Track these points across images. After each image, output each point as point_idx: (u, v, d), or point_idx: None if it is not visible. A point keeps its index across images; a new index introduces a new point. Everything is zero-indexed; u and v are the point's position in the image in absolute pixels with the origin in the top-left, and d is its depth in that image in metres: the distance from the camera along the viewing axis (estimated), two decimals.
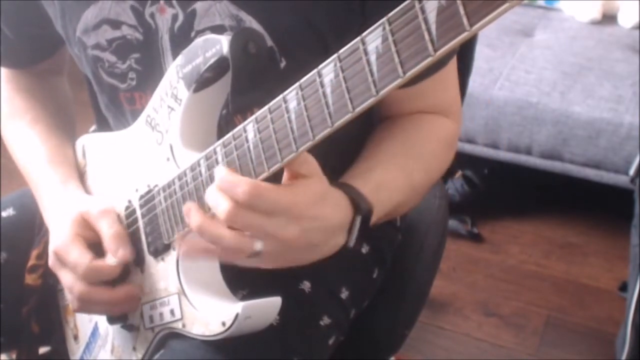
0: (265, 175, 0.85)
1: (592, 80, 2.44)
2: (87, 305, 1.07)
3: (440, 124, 1.11)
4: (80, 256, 1.04)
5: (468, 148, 2.52)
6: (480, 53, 2.07)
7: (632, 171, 2.21)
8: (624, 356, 1.93)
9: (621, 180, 2.35)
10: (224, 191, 0.84)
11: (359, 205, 0.91)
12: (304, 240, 0.86)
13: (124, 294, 1.06)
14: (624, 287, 2.25)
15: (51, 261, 1.09)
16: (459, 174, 2.68)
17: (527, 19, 2.80)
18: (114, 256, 1.04)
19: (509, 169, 2.57)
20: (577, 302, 2.37)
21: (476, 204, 2.68)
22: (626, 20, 2.74)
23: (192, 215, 0.89)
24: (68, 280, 1.06)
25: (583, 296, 2.39)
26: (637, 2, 2.69)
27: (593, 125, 2.35)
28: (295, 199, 0.84)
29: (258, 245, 0.86)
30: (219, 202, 0.84)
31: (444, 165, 1.12)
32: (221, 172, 0.85)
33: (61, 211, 1.11)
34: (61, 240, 1.06)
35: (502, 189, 2.75)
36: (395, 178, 1.01)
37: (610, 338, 2.12)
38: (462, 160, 2.60)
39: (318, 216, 0.86)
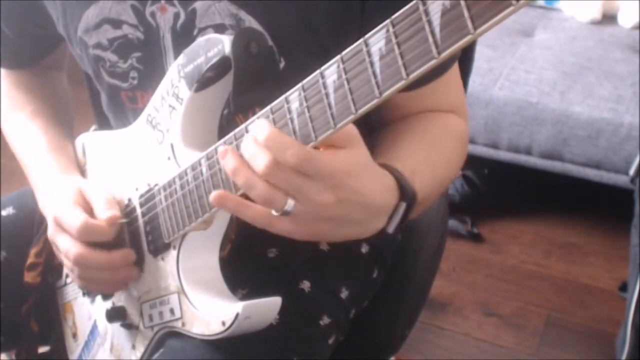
0: None
1: (592, 80, 2.44)
2: (85, 270, 1.06)
3: (453, 120, 1.11)
4: (75, 217, 1.04)
5: (468, 148, 2.50)
6: (480, 53, 2.07)
7: (632, 171, 2.21)
8: (624, 356, 1.93)
9: (621, 180, 2.35)
10: (267, 148, 0.80)
11: (406, 190, 0.89)
12: (340, 210, 0.84)
13: (120, 256, 1.06)
14: (624, 287, 2.25)
15: (50, 230, 1.09)
16: (459, 174, 2.68)
17: (527, 19, 2.80)
18: (103, 217, 1.05)
19: (509, 169, 2.57)
20: (577, 302, 2.37)
21: (476, 204, 2.68)
22: (626, 20, 2.74)
23: (228, 157, 0.85)
24: (65, 245, 1.06)
25: (583, 296, 2.39)
26: (637, 2, 2.69)
27: (593, 125, 2.35)
28: (338, 166, 0.81)
29: (290, 203, 0.82)
30: (258, 155, 0.81)
31: (460, 161, 1.11)
32: (265, 128, 0.81)
33: (60, 188, 1.12)
34: (60, 206, 1.07)
35: (502, 189, 2.75)
36: (423, 169, 0.98)
37: (610, 338, 2.11)
38: None
39: (359, 189, 0.84)
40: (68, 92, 1.37)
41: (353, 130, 0.83)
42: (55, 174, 1.17)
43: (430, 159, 1.02)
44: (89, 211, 1.07)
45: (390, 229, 0.89)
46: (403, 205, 0.89)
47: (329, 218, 0.84)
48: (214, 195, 0.87)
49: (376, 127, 1.12)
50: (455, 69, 1.10)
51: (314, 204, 0.82)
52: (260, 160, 0.81)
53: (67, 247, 1.06)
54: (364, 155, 0.85)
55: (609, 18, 2.78)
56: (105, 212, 1.05)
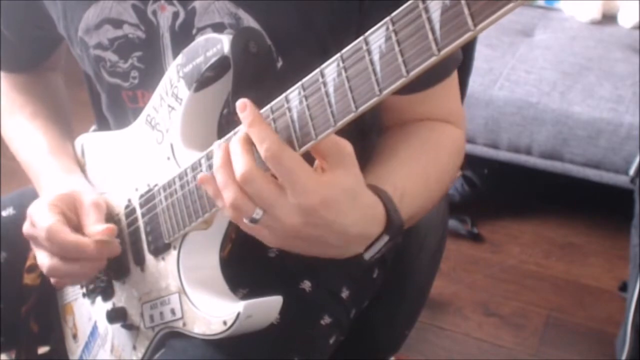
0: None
1: (592, 80, 2.44)
2: (62, 265, 1.03)
3: (450, 131, 1.10)
4: (45, 217, 1.02)
5: (468, 148, 2.48)
6: (480, 53, 2.07)
7: (632, 171, 2.21)
8: (624, 356, 1.93)
9: (621, 180, 2.35)
10: (248, 141, 0.82)
11: (392, 222, 0.88)
12: (311, 233, 0.83)
13: (100, 231, 1.02)
14: (624, 287, 2.25)
15: (25, 225, 1.07)
16: (459, 174, 2.68)
17: (527, 19, 2.80)
18: (96, 231, 1.02)
19: (509, 169, 2.57)
20: (577, 302, 2.37)
21: (476, 204, 2.68)
22: (626, 20, 2.74)
23: (215, 155, 0.85)
24: (37, 243, 1.04)
25: (583, 296, 2.39)
26: (637, 2, 2.69)
27: (593, 125, 2.35)
28: (316, 191, 0.80)
29: (259, 212, 0.83)
30: (238, 158, 0.82)
31: (455, 173, 1.10)
32: (251, 117, 0.81)
33: (55, 188, 1.11)
34: (37, 204, 1.05)
35: (502, 189, 2.75)
36: (415, 184, 0.99)
37: (610, 338, 2.11)
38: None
39: (334, 219, 0.82)
40: (65, 92, 1.37)
41: (348, 148, 0.82)
42: (59, 175, 1.17)
43: (425, 175, 1.02)
44: (72, 220, 1.05)
45: (367, 257, 0.88)
46: (385, 238, 0.88)
47: (298, 237, 0.85)
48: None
49: (374, 130, 1.12)
50: (455, 76, 1.09)
51: (281, 222, 0.83)
52: (238, 163, 0.82)
53: (38, 245, 1.05)
54: (352, 181, 0.83)
55: (609, 18, 2.78)
56: (95, 227, 1.02)
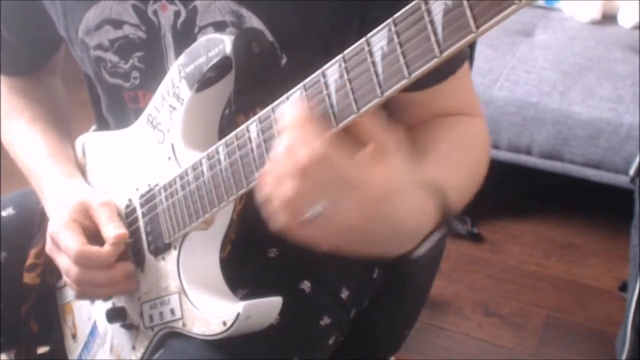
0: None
1: (592, 80, 2.44)
2: (84, 287, 1.06)
3: (479, 125, 1.09)
4: (71, 241, 1.03)
5: None
6: (480, 53, 2.07)
7: (632, 171, 2.21)
8: (624, 356, 1.93)
9: (621, 180, 2.35)
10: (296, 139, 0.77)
11: (445, 218, 0.85)
12: (367, 229, 0.79)
13: (120, 272, 1.05)
14: (624, 287, 2.25)
15: (48, 246, 1.09)
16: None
17: (527, 19, 2.80)
18: (110, 237, 1.03)
19: (509, 169, 2.57)
20: (577, 302, 2.37)
21: (476, 204, 2.66)
22: (626, 20, 2.74)
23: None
24: (64, 264, 1.06)
25: (583, 296, 2.39)
26: (637, 2, 2.69)
27: (593, 125, 2.35)
28: (371, 177, 0.76)
29: (321, 205, 0.76)
30: (309, 141, 0.76)
31: (486, 166, 1.06)
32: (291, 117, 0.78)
33: (62, 198, 1.12)
34: (57, 225, 1.07)
35: (502, 189, 2.74)
36: (456, 182, 0.95)
37: (610, 338, 2.11)
38: None
39: (395, 211, 0.79)
40: (64, 95, 1.37)
41: (395, 136, 0.79)
42: (59, 179, 1.17)
43: (462, 171, 1.00)
44: (90, 227, 1.06)
45: (419, 253, 0.85)
46: (437, 235, 0.85)
47: (356, 233, 0.79)
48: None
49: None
50: (466, 66, 1.08)
51: (343, 216, 0.77)
52: (298, 154, 0.76)
53: (66, 268, 1.06)
54: (407, 170, 0.80)
55: (609, 18, 2.78)
56: (112, 231, 1.04)
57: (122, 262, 1.06)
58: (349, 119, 0.75)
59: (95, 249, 1.03)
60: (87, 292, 1.08)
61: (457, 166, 0.99)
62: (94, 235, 1.06)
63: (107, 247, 1.03)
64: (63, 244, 1.04)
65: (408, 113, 1.08)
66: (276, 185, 0.78)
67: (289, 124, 0.77)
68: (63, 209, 1.08)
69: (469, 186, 1.01)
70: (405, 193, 0.80)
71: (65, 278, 1.09)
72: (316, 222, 0.77)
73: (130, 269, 1.07)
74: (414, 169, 0.81)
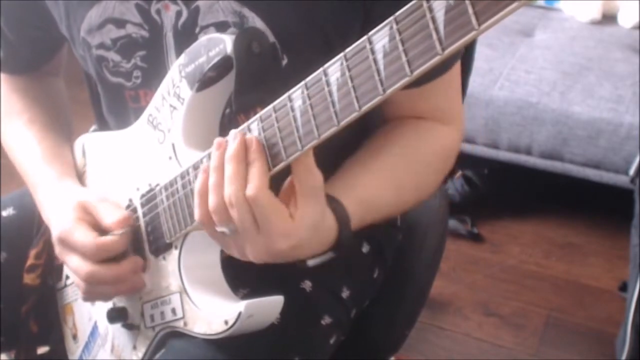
0: (269, 174, 0.85)
1: (592, 80, 2.44)
2: (94, 287, 1.06)
3: (441, 134, 1.09)
4: (85, 235, 1.04)
5: (468, 148, 2.51)
6: (480, 53, 2.06)
7: (632, 171, 2.21)
8: (624, 356, 1.93)
9: (621, 180, 2.35)
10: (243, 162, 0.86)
11: (341, 243, 0.93)
12: (267, 260, 0.90)
13: (130, 266, 1.06)
14: (624, 287, 2.25)
15: (57, 249, 1.09)
16: (459, 174, 2.68)
17: (527, 19, 2.80)
18: (114, 221, 1.05)
19: (509, 169, 2.57)
20: (577, 302, 2.37)
21: (476, 204, 2.68)
22: (626, 20, 2.74)
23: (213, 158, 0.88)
24: (74, 264, 1.06)
25: (583, 296, 2.39)
26: (637, 2, 2.69)
27: (593, 125, 2.35)
28: (288, 231, 0.86)
29: (229, 229, 0.89)
30: (232, 179, 0.86)
31: (439, 178, 1.11)
32: (254, 154, 0.86)
33: (60, 202, 1.11)
34: (64, 225, 1.07)
35: (502, 189, 2.75)
36: (386, 194, 1.02)
37: (610, 338, 2.11)
38: (462, 160, 2.58)
39: (298, 255, 0.90)
40: (66, 98, 1.37)
41: (319, 181, 0.86)
42: (51, 181, 1.17)
43: (400, 184, 1.05)
44: (95, 224, 1.07)
45: (310, 264, 0.94)
46: (330, 255, 0.94)
47: (258, 259, 0.91)
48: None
49: (377, 126, 1.12)
50: (457, 73, 1.09)
51: (248, 250, 0.90)
52: (231, 183, 0.86)
53: (76, 266, 1.05)
54: (318, 216, 0.88)
55: (609, 18, 2.78)
56: (113, 216, 1.05)
57: (129, 256, 1.07)
58: (351, 117, 0.75)
59: (107, 239, 1.04)
60: (95, 291, 1.08)
61: (391, 185, 1.04)
62: (98, 231, 1.06)
63: (114, 236, 1.04)
64: (77, 242, 1.04)
65: (388, 110, 1.09)
66: (205, 190, 0.89)
67: (235, 153, 0.86)
68: (65, 211, 1.08)
69: (402, 201, 1.07)
70: (313, 235, 0.90)
71: (74, 278, 1.09)
72: (226, 237, 0.91)
73: (139, 263, 1.07)
74: (326, 210, 0.91)
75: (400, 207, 1.08)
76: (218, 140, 0.88)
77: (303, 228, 0.87)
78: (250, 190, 0.84)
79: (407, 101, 1.07)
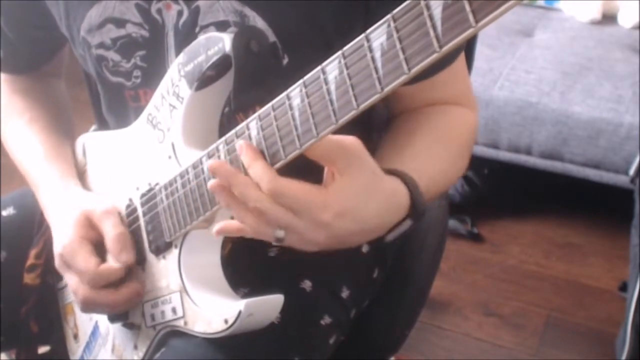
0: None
1: (592, 80, 2.44)
2: (91, 306, 1.07)
3: (464, 114, 1.11)
4: (86, 262, 1.04)
5: None
6: (480, 53, 2.06)
7: (632, 171, 2.21)
8: (624, 356, 1.93)
9: (621, 180, 2.35)
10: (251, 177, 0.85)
11: (416, 207, 0.90)
12: (332, 239, 0.86)
13: (127, 294, 1.06)
14: (624, 287, 2.25)
15: (57, 263, 1.09)
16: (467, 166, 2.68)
17: (527, 19, 2.80)
18: (117, 260, 1.04)
19: (509, 169, 2.57)
20: (577, 302, 2.37)
21: (476, 204, 2.67)
22: (626, 20, 2.74)
23: (221, 193, 0.88)
24: (73, 283, 1.06)
25: (583, 296, 2.39)
26: (637, 2, 2.69)
27: (593, 125, 2.34)
28: (323, 203, 0.83)
29: (280, 234, 0.86)
30: (246, 193, 0.85)
31: (468, 155, 1.11)
32: (246, 158, 0.85)
33: (64, 210, 1.11)
34: (67, 243, 1.06)
35: (502, 189, 2.74)
36: (435, 170, 1.00)
37: (610, 338, 2.11)
38: None
39: (349, 221, 0.85)
40: (67, 97, 1.37)
41: (353, 146, 0.84)
42: (53, 181, 1.17)
43: (442, 159, 1.04)
44: (96, 240, 1.07)
45: (389, 238, 0.91)
46: (408, 223, 0.90)
47: (325, 244, 0.87)
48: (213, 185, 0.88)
49: (386, 120, 1.12)
50: (462, 59, 1.09)
51: (304, 238, 0.86)
52: (249, 197, 0.84)
53: (75, 287, 1.06)
54: (364, 178, 0.85)
55: (609, 18, 2.77)
56: (119, 255, 1.04)
57: (128, 283, 1.07)
58: (349, 115, 0.75)
59: (107, 268, 1.04)
60: (92, 310, 1.09)
61: (437, 158, 1.03)
62: (99, 244, 1.06)
63: (116, 265, 1.04)
64: (77, 265, 1.05)
65: (400, 103, 1.10)
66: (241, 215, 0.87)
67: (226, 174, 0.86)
68: (68, 223, 1.08)
69: (448, 176, 1.06)
70: (366, 200, 0.85)
71: (72, 295, 1.09)
72: (286, 241, 0.87)
73: (137, 290, 1.07)
74: (378, 170, 0.87)
75: (447, 182, 1.08)
76: (211, 167, 0.88)
77: (344, 194, 0.83)
78: (265, 187, 0.83)
79: (417, 94, 1.07)
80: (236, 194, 0.85)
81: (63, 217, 1.10)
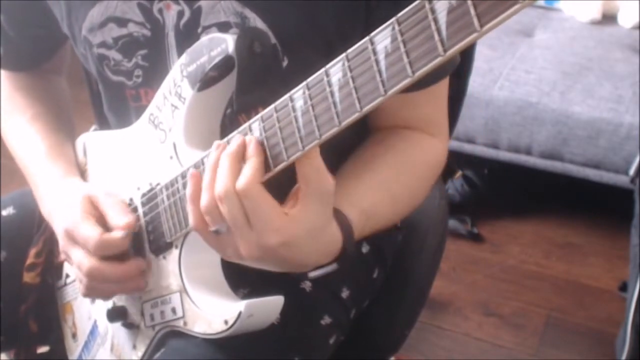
0: (270, 174, 0.85)
1: (592, 80, 2.44)
2: (97, 283, 1.06)
3: (430, 145, 1.10)
4: (90, 230, 1.03)
5: (468, 148, 2.51)
6: (480, 53, 2.07)
7: (632, 171, 2.21)
8: (624, 356, 1.93)
9: (621, 180, 2.35)
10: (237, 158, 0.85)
11: (346, 254, 0.92)
12: (262, 262, 0.88)
13: (134, 266, 1.05)
14: (624, 287, 2.25)
15: (62, 242, 1.08)
16: (459, 174, 2.67)
17: (527, 19, 2.80)
18: (118, 224, 1.04)
19: (509, 169, 2.57)
20: (577, 302, 2.37)
21: (476, 204, 2.68)
22: (626, 20, 2.74)
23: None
24: (78, 258, 1.05)
25: (583, 296, 2.39)
26: (637, 2, 2.69)
27: (593, 125, 2.35)
28: (279, 226, 0.84)
29: (222, 227, 0.87)
30: (222, 173, 0.85)
31: (428, 188, 1.11)
32: (252, 149, 0.85)
33: (66, 197, 1.11)
34: (71, 219, 1.06)
35: (502, 189, 2.75)
36: (383, 206, 1.02)
37: (610, 338, 2.12)
38: (462, 160, 2.60)
39: (289, 252, 0.86)
40: (68, 96, 1.37)
41: (329, 185, 0.85)
42: (55, 179, 1.17)
43: (395, 194, 1.04)
44: (101, 219, 1.06)
45: (312, 276, 0.93)
46: (333, 266, 0.92)
47: (253, 262, 0.89)
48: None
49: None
50: (445, 86, 1.09)
51: (240, 247, 0.87)
52: (220, 177, 0.85)
53: (80, 260, 1.05)
54: (320, 221, 0.87)
55: (609, 18, 2.78)
56: (121, 219, 1.04)
57: (135, 257, 1.07)
58: (352, 117, 0.75)
59: (112, 236, 1.03)
60: (96, 287, 1.07)
61: (389, 192, 1.03)
62: (104, 226, 1.06)
63: (119, 234, 1.04)
64: (82, 235, 1.04)
65: (378, 119, 1.09)
66: (198, 192, 0.88)
67: (232, 151, 0.85)
68: (71, 204, 1.08)
69: (397, 212, 1.07)
70: (311, 241, 0.87)
71: (76, 273, 1.08)
72: (220, 237, 0.89)
73: (142, 266, 1.06)
74: (331, 215, 0.88)
75: (396, 217, 1.09)
76: (218, 141, 0.88)
77: (298, 227, 0.85)
78: (240, 183, 0.83)
79: (394, 109, 1.07)
80: (218, 170, 0.86)
81: (65, 202, 1.10)
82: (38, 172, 1.19)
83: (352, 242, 0.92)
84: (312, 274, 0.92)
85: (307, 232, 0.85)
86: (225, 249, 0.90)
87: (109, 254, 1.04)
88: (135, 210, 1.08)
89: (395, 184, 1.05)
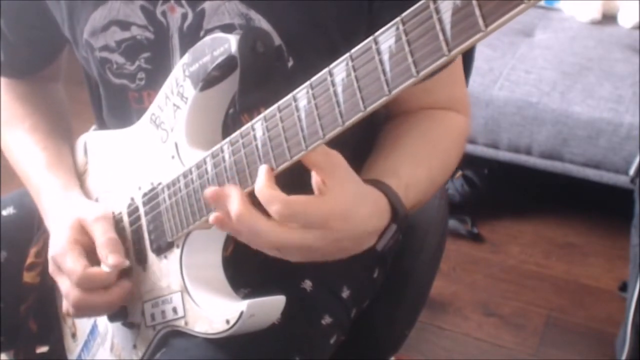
0: (272, 174, 0.84)
1: (592, 80, 2.44)
2: (82, 311, 1.06)
3: (453, 119, 1.12)
4: (74, 264, 1.03)
5: (468, 148, 2.51)
6: (480, 53, 2.07)
7: (632, 171, 2.21)
8: (624, 356, 1.93)
9: (621, 180, 2.35)
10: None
11: (397, 212, 0.91)
12: (334, 247, 0.87)
13: (117, 295, 1.05)
14: (624, 287, 2.25)
15: (50, 267, 1.09)
16: (459, 174, 2.68)
17: (527, 19, 2.80)
18: (105, 264, 1.03)
19: (509, 169, 2.57)
20: (577, 302, 2.37)
21: (476, 204, 2.68)
22: (626, 20, 2.74)
23: (232, 201, 0.87)
24: (65, 287, 1.06)
25: (583, 296, 2.39)
26: (637, 2, 2.69)
27: (593, 125, 2.35)
28: (330, 211, 0.84)
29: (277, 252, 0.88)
30: (257, 227, 0.86)
31: (457, 161, 1.12)
32: (259, 183, 0.84)
33: (60, 216, 1.11)
34: (58, 247, 1.06)
35: (502, 189, 2.75)
36: (420, 176, 1.02)
37: (610, 338, 2.12)
38: (462, 160, 2.59)
39: (351, 224, 0.86)
40: (66, 104, 1.36)
41: (338, 159, 0.85)
42: (56, 191, 1.16)
43: (428, 164, 1.04)
44: (89, 245, 1.06)
45: (380, 247, 0.92)
46: (394, 228, 0.91)
47: (314, 252, 0.88)
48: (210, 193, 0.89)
49: (383, 120, 1.12)
50: (458, 62, 1.10)
51: (313, 249, 0.86)
52: (259, 235, 0.86)
53: (66, 291, 1.05)
54: (354, 184, 0.87)
55: (609, 18, 2.78)
56: (106, 259, 1.03)
57: (119, 282, 1.06)
58: (356, 117, 0.74)
59: (96, 271, 1.03)
60: (84, 313, 1.09)
61: (420, 164, 1.03)
62: (93, 250, 1.06)
63: (105, 269, 1.03)
64: (65, 267, 1.04)
65: (400, 105, 1.10)
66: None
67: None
68: (62, 229, 1.08)
69: (432, 182, 1.06)
70: (358, 202, 0.87)
71: (64, 300, 1.08)
72: (306, 250, 0.87)
73: (128, 288, 1.06)
74: (359, 178, 0.89)
75: (431, 188, 1.07)
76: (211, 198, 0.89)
77: (343, 197, 0.85)
78: (276, 209, 0.83)
79: (412, 96, 1.08)
80: (243, 234, 0.88)
81: (59, 223, 1.10)
82: (39, 183, 1.18)
83: (397, 200, 0.91)
84: (380, 245, 0.91)
85: (351, 200, 0.85)
86: (303, 255, 0.89)
87: (92, 288, 1.04)
88: (136, 210, 1.08)
89: (428, 153, 1.05)
